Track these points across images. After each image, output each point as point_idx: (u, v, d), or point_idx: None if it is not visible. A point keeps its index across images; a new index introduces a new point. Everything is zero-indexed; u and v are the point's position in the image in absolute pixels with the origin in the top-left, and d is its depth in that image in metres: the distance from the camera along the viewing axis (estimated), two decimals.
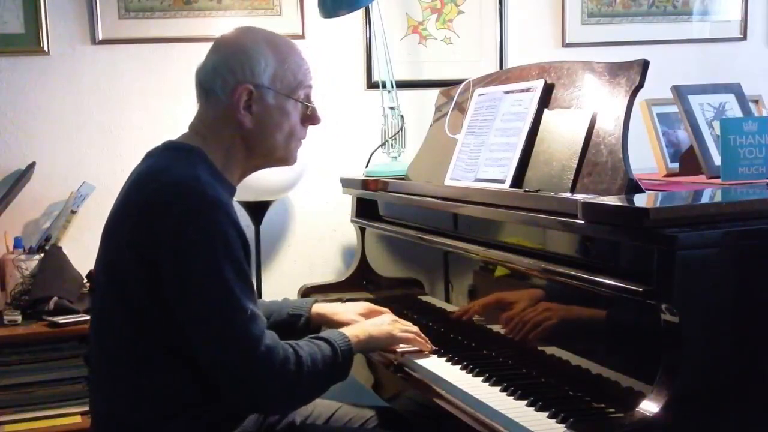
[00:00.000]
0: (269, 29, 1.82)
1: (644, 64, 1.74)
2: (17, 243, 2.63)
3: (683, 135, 2.29)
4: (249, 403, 1.65)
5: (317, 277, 2.85)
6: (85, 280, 2.62)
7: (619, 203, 1.52)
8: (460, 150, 2.16)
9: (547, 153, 1.87)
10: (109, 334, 1.67)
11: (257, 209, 2.71)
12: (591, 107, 1.81)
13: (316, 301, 2.08)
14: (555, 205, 1.65)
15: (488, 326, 1.93)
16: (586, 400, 1.56)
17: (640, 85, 1.74)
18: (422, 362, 1.86)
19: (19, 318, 2.47)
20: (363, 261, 2.62)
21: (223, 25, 2.83)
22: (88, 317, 2.44)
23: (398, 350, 1.91)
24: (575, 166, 1.77)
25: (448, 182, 2.14)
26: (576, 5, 3.12)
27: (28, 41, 2.71)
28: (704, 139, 2.13)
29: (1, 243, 2.66)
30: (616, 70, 1.80)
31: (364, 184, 2.51)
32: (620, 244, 1.52)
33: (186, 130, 1.79)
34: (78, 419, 2.43)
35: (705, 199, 1.72)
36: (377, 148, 2.69)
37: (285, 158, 1.80)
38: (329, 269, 2.98)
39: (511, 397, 1.61)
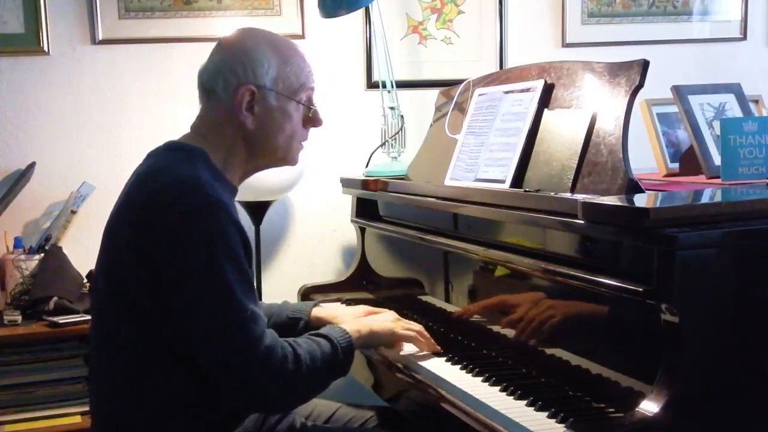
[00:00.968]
0: (269, 29, 1.82)
1: (644, 64, 1.74)
2: (17, 243, 2.64)
3: (683, 135, 2.29)
4: (248, 403, 1.65)
5: (317, 277, 2.85)
6: (85, 280, 2.62)
7: (619, 203, 1.52)
8: (460, 150, 2.16)
9: (547, 153, 1.87)
10: (109, 334, 1.67)
11: (257, 209, 2.71)
12: (591, 107, 1.81)
13: (316, 305, 2.08)
14: (555, 205, 1.65)
15: (488, 326, 1.93)
16: (586, 400, 1.56)
17: (640, 85, 1.74)
18: (422, 362, 1.86)
19: (19, 318, 2.48)
20: (363, 261, 2.62)
21: (223, 25, 2.83)
22: (88, 317, 2.44)
23: (401, 352, 1.90)
24: (575, 166, 1.77)
25: (448, 182, 2.14)
26: (576, 5, 3.12)
27: (28, 41, 2.71)
28: (704, 139, 2.13)
29: (1, 243, 2.66)
30: (616, 70, 1.80)
31: (364, 184, 2.51)
32: (620, 244, 1.52)
33: (187, 130, 1.79)
34: (78, 419, 2.43)
35: (705, 199, 1.72)
36: (377, 148, 2.69)
37: (286, 159, 1.80)
38: (329, 269, 2.98)
39: (511, 397, 1.61)
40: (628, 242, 1.49)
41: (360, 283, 2.60)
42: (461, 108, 2.29)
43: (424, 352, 1.90)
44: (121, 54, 2.79)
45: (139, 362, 1.62)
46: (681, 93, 2.19)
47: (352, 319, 1.95)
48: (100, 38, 2.76)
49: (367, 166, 2.66)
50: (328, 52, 2.94)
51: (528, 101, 1.97)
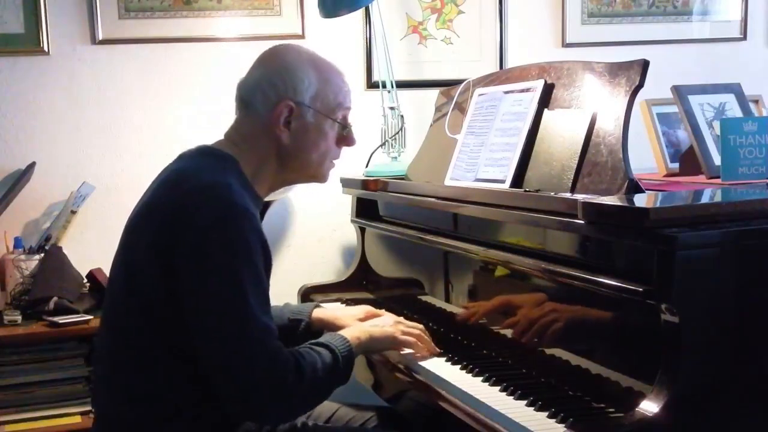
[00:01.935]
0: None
1: (644, 64, 1.74)
2: (17, 243, 2.63)
3: (683, 135, 2.29)
4: (245, 412, 1.65)
5: (317, 277, 2.85)
6: (85, 280, 2.62)
7: (619, 203, 1.52)
8: (460, 150, 2.16)
9: (547, 153, 1.87)
10: (118, 332, 1.67)
11: None
12: (591, 107, 1.81)
13: (317, 306, 2.08)
14: (555, 205, 1.65)
15: (488, 326, 1.93)
16: (586, 400, 1.56)
17: (640, 85, 1.74)
18: (422, 362, 1.86)
19: (19, 318, 2.47)
20: (363, 261, 2.62)
21: (223, 25, 2.83)
22: (88, 317, 2.45)
23: (402, 352, 1.91)
24: (575, 166, 1.77)
25: (448, 182, 2.14)
26: (576, 5, 3.12)
27: (28, 41, 2.71)
28: (704, 139, 2.13)
29: (1, 243, 2.65)
30: (616, 70, 1.80)
31: (364, 184, 2.51)
32: (620, 244, 1.52)
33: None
34: (78, 419, 2.43)
35: (705, 199, 1.72)
36: (377, 148, 2.69)
37: (317, 177, 1.83)
38: (329, 269, 2.98)
39: (511, 397, 1.61)
40: (628, 242, 1.49)
41: (360, 283, 2.60)
42: (461, 108, 2.29)
43: (425, 356, 1.89)
44: (121, 54, 2.79)
45: (145, 361, 1.62)
46: (681, 93, 2.19)
47: (353, 323, 1.96)
48: (100, 38, 2.76)
49: (367, 166, 2.66)
50: (328, 52, 2.91)
51: (528, 101, 1.97)
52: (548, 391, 1.63)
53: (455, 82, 2.40)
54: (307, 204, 2.96)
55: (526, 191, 1.82)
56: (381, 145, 2.67)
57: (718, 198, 1.74)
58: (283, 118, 1.72)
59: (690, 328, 1.36)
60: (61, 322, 2.42)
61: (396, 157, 2.64)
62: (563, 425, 1.44)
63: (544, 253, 1.73)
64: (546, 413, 1.50)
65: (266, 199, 2.66)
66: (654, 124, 2.34)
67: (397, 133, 2.63)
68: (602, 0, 3.15)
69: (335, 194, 2.78)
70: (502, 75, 2.26)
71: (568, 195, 1.70)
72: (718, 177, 1.98)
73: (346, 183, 2.67)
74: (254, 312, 1.56)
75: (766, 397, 1.44)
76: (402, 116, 2.65)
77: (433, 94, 2.56)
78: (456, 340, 2.02)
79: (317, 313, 2.04)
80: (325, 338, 1.76)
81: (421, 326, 1.94)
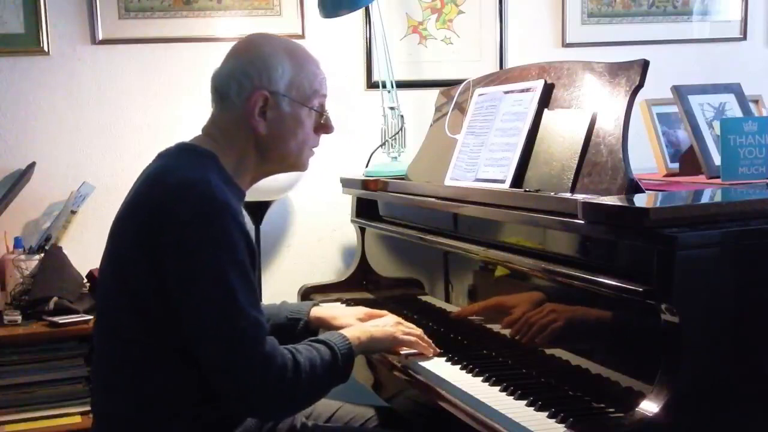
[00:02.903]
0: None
1: (644, 64, 1.74)
2: (17, 243, 2.63)
3: (683, 135, 2.29)
4: (245, 409, 1.65)
5: (317, 277, 2.85)
6: (85, 280, 2.62)
7: (619, 203, 1.52)
8: (460, 150, 2.16)
9: (547, 153, 1.87)
10: (112, 333, 1.67)
11: (257, 209, 2.71)
12: (591, 107, 1.81)
13: (315, 305, 2.08)
14: (555, 205, 1.65)
15: (488, 326, 1.93)
16: (586, 400, 1.56)
17: (640, 85, 1.74)
18: (422, 362, 1.86)
19: (19, 318, 2.47)
20: (363, 261, 2.62)
21: (222, 24, 2.83)
22: (88, 317, 2.45)
23: (402, 352, 1.91)
24: (575, 166, 1.77)
25: (448, 182, 2.14)
26: (576, 5, 3.12)
27: (28, 41, 2.71)
28: (704, 139, 2.13)
29: (1, 243, 2.66)
30: (616, 70, 1.80)
31: (364, 184, 2.51)
32: (620, 244, 1.52)
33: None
34: (78, 419, 2.43)
35: (705, 199, 1.72)
36: (377, 148, 2.69)
37: (297, 165, 1.81)
38: (329, 269, 2.98)
39: (511, 397, 1.61)
40: (628, 242, 1.49)
41: (360, 283, 2.60)
42: (461, 108, 2.29)
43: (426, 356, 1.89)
44: (121, 54, 2.79)
45: (141, 361, 1.62)
46: (681, 93, 2.19)
47: (353, 322, 1.95)
48: (100, 38, 2.76)
49: (367, 166, 2.66)
50: (328, 52, 2.93)
51: (528, 101, 1.97)
52: (548, 391, 1.63)
53: (455, 82, 2.40)
54: (307, 204, 2.96)
55: (526, 191, 1.82)
56: (381, 145, 2.67)
57: (718, 198, 1.74)
58: (259, 108, 1.70)
59: (690, 328, 1.36)
60: (61, 322, 2.42)
61: (396, 157, 2.64)
62: (563, 425, 1.44)
63: (544, 253, 1.73)
64: (546, 413, 1.50)
65: (266, 199, 2.69)
66: (654, 124, 2.34)
67: (397, 133, 2.63)
68: (602, 0, 3.15)
69: (335, 194, 2.78)
70: (502, 75, 2.26)
71: (568, 195, 1.70)
72: (718, 177, 1.98)
73: (346, 183, 2.67)
74: (242, 306, 1.55)
75: (766, 397, 1.44)
76: (402, 116, 2.64)
77: (433, 94, 2.56)
78: (456, 340, 2.02)
79: (315, 312, 2.04)
80: (325, 336, 1.76)
81: (419, 330, 1.93)
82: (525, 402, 1.57)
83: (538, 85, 1.96)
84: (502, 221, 1.88)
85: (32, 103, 2.74)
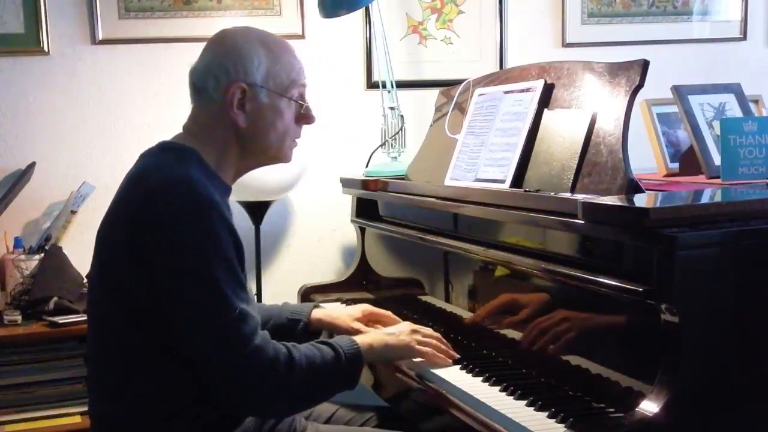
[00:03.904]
0: (270, 29, 1.82)
1: (644, 64, 1.74)
2: (17, 243, 2.64)
3: (683, 135, 2.29)
4: (239, 404, 1.63)
5: (317, 277, 2.85)
6: (85, 280, 2.62)
7: (619, 203, 1.52)
8: (460, 150, 2.16)
9: (547, 153, 1.87)
10: (105, 334, 1.67)
11: (257, 209, 2.71)
12: (591, 107, 1.81)
13: (316, 306, 2.08)
14: (555, 205, 1.65)
15: (488, 326, 1.93)
16: (586, 400, 1.56)
17: (640, 85, 1.74)
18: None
19: (19, 318, 2.48)
20: (363, 261, 2.62)
21: (223, 25, 2.80)
22: None
23: (416, 361, 1.86)
24: (575, 166, 1.77)
25: (448, 182, 2.14)
26: (576, 5, 3.12)
27: (28, 41, 2.71)
28: (704, 139, 2.13)
29: (1, 243, 2.66)
30: (616, 70, 1.80)
31: (364, 184, 2.51)
32: (620, 244, 1.52)
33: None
34: (78, 419, 2.43)
35: (705, 199, 1.72)
36: (377, 148, 2.69)
37: (279, 157, 1.79)
38: (329, 269, 2.98)
39: (511, 397, 1.61)
40: (628, 242, 1.49)
41: (360, 283, 2.60)
42: (461, 108, 2.29)
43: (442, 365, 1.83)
44: (121, 54, 2.79)
45: (135, 361, 1.62)
46: (681, 93, 2.19)
47: (352, 323, 1.95)
48: (100, 38, 2.76)
49: (367, 166, 2.66)
50: (328, 52, 2.94)
51: (528, 101, 1.97)
52: (548, 391, 1.63)
53: (455, 82, 2.40)
54: (307, 204, 2.96)
55: (526, 191, 1.82)
56: (381, 145, 2.67)
57: (718, 198, 1.74)
58: (237, 101, 1.69)
59: (690, 328, 1.36)
60: (60, 322, 2.42)
61: (396, 157, 2.64)
62: (563, 425, 1.44)
63: (544, 253, 1.73)
64: (546, 413, 1.50)
65: (266, 198, 2.69)
66: (654, 124, 2.34)
67: (397, 133, 2.63)
68: (602, 0, 3.15)
69: (335, 194, 2.78)
70: (502, 75, 2.26)
71: (568, 195, 1.70)
72: (718, 177, 1.98)
73: (346, 183, 2.67)
74: (230, 301, 1.55)
75: (766, 397, 1.44)
76: (402, 116, 2.64)
77: (433, 94, 2.56)
78: (456, 340, 2.01)
79: (316, 313, 2.03)
80: (333, 339, 1.75)
81: (437, 334, 1.89)
82: (525, 402, 1.57)
83: (538, 85, 1.96)
84: (502, 221, 1.88)
85: (32, 103, 2.74)
